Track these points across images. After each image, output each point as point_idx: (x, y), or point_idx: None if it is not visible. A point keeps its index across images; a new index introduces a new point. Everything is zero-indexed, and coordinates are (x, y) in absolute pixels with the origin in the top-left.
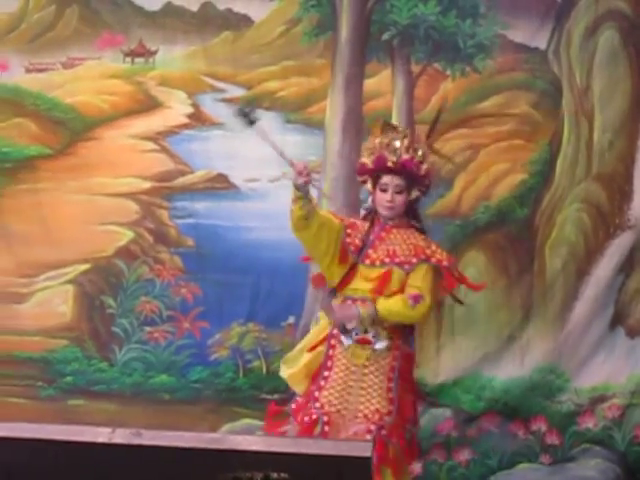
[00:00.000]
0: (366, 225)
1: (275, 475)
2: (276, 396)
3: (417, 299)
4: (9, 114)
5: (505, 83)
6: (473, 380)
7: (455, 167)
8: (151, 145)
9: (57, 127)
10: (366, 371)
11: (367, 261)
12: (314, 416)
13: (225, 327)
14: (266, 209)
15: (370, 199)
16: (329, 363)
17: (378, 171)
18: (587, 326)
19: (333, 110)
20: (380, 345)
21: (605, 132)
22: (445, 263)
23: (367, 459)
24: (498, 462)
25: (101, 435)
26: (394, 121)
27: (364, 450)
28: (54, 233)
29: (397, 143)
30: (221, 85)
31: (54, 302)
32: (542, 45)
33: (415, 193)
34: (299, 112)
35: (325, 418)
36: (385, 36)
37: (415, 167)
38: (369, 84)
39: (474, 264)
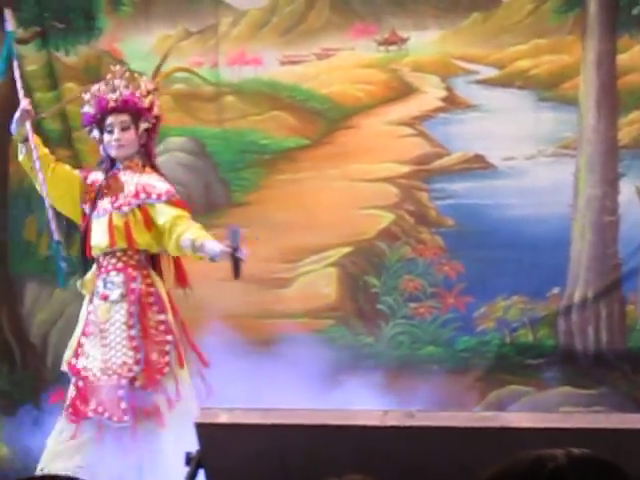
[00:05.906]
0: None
1: (577, 451)
2: (541, 360)
3: None
4: (266, 107)
5: None
6: None
7: None
8: (408, 130)
9: (314, 117)
10: (106, 326)
11: (95, 213)
12: (73, 385)
13: (490, 301)
14: (524, 186)
15: (101, 148)
16: (86, 330)
17: (102, 113)
18: None
19: (586, 86)
20: (114, 295)
21: None
22: (164, 197)
23: None
24: None
25: (373, 418)
26: None
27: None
28: (316, 219)
29: (116, 82)
30: (473, 67)
31: (318, 284)
32: None
33: (144, 125)
34: (552, 90)
35: (80, 384)
36: (635, 11)
37: (138, 100)
38: (621, 59)
39: None
